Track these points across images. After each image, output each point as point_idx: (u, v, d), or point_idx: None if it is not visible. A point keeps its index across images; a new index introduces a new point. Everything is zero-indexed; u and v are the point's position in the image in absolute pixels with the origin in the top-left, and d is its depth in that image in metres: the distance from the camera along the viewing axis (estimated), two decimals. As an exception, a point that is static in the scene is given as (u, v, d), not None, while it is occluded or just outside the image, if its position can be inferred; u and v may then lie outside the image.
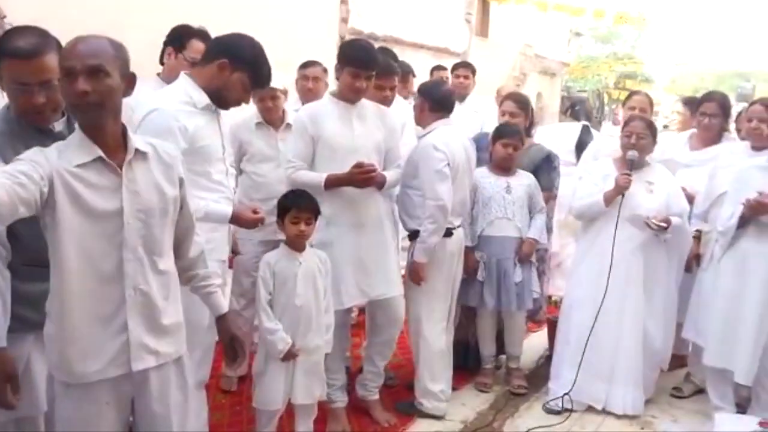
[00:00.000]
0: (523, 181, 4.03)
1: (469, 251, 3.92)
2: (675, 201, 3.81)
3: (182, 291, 2.16)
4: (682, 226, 3.79)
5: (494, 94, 7.31)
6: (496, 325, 4.15)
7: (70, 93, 1.80)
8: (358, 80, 3.22)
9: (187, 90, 2.63)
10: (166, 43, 3.46)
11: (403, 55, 5.34)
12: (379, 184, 3.31)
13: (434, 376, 3.66)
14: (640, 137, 3.76)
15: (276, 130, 3.77)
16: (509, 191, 3.96)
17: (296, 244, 3.00)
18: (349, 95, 3.29)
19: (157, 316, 1.99)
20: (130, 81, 1.92)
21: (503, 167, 4.00)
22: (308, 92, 4.21)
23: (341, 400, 3.48)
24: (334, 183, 3.22)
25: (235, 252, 3.32)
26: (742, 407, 3.71)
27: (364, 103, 3.38)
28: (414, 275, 3.57)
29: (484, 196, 3.95)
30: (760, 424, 2.94)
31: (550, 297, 4.87)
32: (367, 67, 3.24)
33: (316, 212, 3.01)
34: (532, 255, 4.01)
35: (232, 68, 2.59)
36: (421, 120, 3.69)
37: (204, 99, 2.62)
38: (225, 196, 2.76)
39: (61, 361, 1.91)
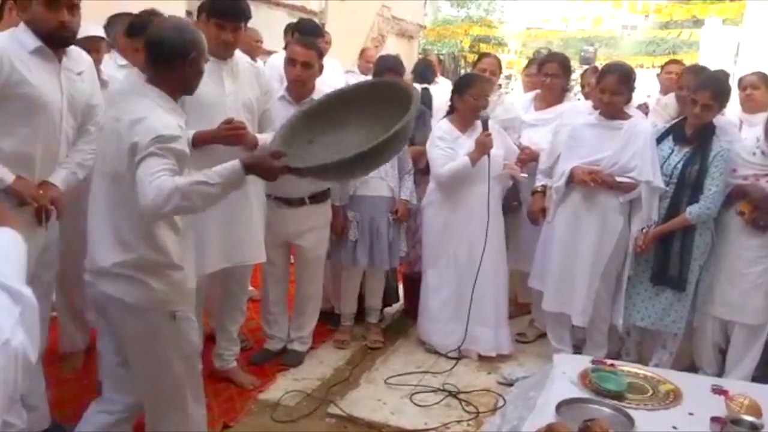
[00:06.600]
0: None
1: (339, 210, 3.94)
2: (507, 147, 4.08)
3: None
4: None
5: (356, 56, 7.42)
6: (359, 283, 4.23)
7: None
8: (224, 32, 3.06)
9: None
10: None
11: (258, 12, 5.16)
12: (250, 144, 3.16)
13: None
14: (486, 97, 3.94)
15: None
16: None
17: None
18: (216, 50, 3.08)
19: None
20: None
21: None
22: None
23: (195, 366, 3.41)
24: (201, 140, 3.05)
25: None
26: (578, 348, 4.02)
27: (238, 59, 3.23)
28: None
29: None
30: (593, 361, 3.16)
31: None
32: (233, 17, 3.06)
33: None
34: (407, 216, 4.12)
35: None
36: None
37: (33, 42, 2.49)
38: None
39: None
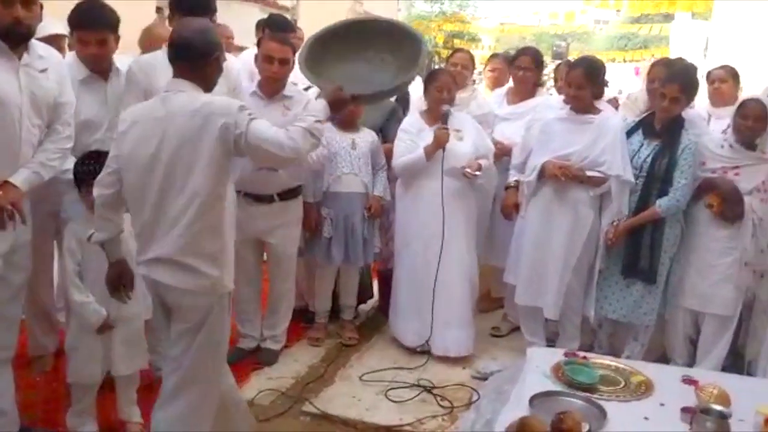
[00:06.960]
0: (367, 137, 4.06)
1: (312, 207, 3.92)
2: (481, 143, 4.02)
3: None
4: (490, 166, 4.04)
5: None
6: (333, 280, 4.21)
7: None
8: None
9: None
10: None
11: (229, 8, 5.11)
12: None
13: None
14: (450, 91, 3.93)
15: None
16: (354, 147, 3.98)
17: None
18: None
19: None
20: None
21: (348, 123, 3.99)
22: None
23: (169, 367, 3.37)
24: None
25: None
26: (551, 341, 4.03)
27: None
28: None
29: (330, 152, 3.90)
30: (566, 354, 3.18)
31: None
32: (200, 11, 2.99)
33: None
34: (381, 212, 4.11)
35: None
36: None
37: None
38: None
39: None
